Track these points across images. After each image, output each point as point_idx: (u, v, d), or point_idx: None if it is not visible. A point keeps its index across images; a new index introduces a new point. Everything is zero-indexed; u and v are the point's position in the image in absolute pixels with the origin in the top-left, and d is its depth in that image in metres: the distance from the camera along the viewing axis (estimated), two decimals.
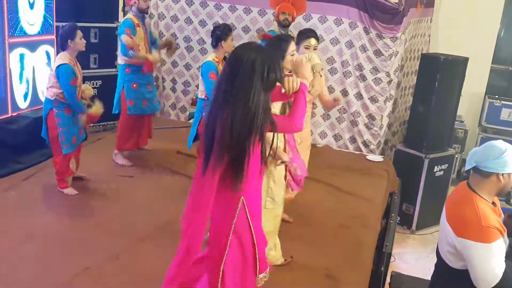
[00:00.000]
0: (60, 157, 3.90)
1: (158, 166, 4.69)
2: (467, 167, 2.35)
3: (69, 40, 3.77)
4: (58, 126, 3.83)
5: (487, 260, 2.19)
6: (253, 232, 2.16)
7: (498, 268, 2.19)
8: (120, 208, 3.81)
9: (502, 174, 2.25)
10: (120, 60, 4.59)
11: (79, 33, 3.78)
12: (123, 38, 4.32)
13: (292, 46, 2.91)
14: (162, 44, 4.87)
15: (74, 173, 4.03)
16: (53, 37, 5.09)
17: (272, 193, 2.96)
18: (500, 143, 2.29)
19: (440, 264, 2.47)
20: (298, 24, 5.13)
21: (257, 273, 2.20)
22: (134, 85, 4.51)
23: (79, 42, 3.80)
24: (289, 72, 2.93)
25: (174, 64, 6.19)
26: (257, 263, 2.19)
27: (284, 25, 4.65)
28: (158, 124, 5.67)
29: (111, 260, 3.07)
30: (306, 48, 3.35)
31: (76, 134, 3.93)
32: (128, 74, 4.50)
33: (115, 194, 4.07)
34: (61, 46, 3.83)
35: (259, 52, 2.02)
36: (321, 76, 3.16)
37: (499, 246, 2.21)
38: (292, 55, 2.88)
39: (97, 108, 3.96)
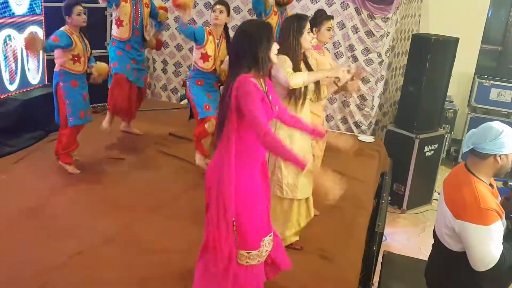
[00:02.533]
0: (67, 130, 3.90)
1: (150, 149, 4.62)
2: (465, 149, 2.32)
3: (66, 16, 3.75)
4: (64, 99, 3.83)
5: (485, 242, 2.16)
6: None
7: (495, 250, 2.17)
8: (113, 191, 3.76)
9: (500, 155, 2.22)
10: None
11: (76, 9, 3.74)
12: None
13: (308, 24, 2.92)
14: (149, 46, 4.79)
15: (78, 146, 4.01)
16: (41, 17, 4.95)
17: (279, 180, 2.92)
18: (496, 124, 2.26)
19: (438, 246, 2.44)
20: (290, 5, 5.01)
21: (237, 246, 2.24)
22: (118, 52, 4.48)
23: (76, 18, 3.76)
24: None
25: (165, 44, 6.06)
26: (236, 236, 2.23)
27: (281, 3, 4.52)
28: (149, 106, 5.59)
29: (106, 242, 3.03)
30: (328, 30, 3.35)
31: (84, 109, 3.91)
32: (114, 46, 4.51)
33: (107, 176, 4.02)
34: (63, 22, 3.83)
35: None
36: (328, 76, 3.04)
37: (497, 228, 2.18)
38: (308, 32, 2.91)
39: (100, 65, 3.97)
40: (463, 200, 2.22)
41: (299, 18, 2.93)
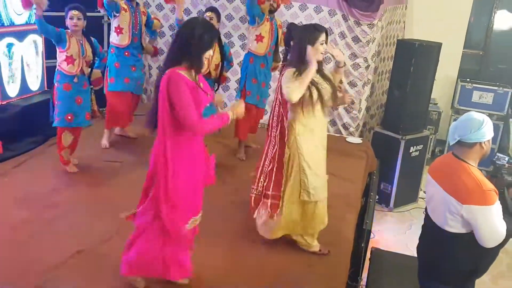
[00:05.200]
0: (56, 130, 3.94)
1: (146, 152, 4.57)
2: (452, 141, 2.44)
3: (65, 20, 3.81)
4: (56, 99, 3.86)
5: (492, 221, 2.28)
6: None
7: (501, 226, 2.30)
8: (111, 192, 3.76)
9: (484, 142, 2.38)
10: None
11: (69, 13, 3.79)
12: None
13: (323, 36, 2.87)
14: (147, 52, 4.81)
15: (65, 149, 3.99)
16: None
17: (305, 185, 2.92)
18: (477, 115, 2.40)
19: (434, 230, 2.49)
20: (279, 12, 5.03)
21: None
22: (116, 64, 4.46)
23: (68, 22, 3.81)
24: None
25: (160, 51, 6.03)
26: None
27: (271, 10, 4.45)
28: (145, 110, 5.52)
29: (104, 242, 3.05)
30: (321, 44, 2.92)
31: (74, 113, 3.89)
32: (112, 54, 4.49)
33: (105, 179, 4.02)
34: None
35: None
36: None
37: (499, 206, 2.31)
38: (321, 44, 2.86)
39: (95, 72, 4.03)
40: (465, 186, 2.32)
41: (314, 29, 2.88)
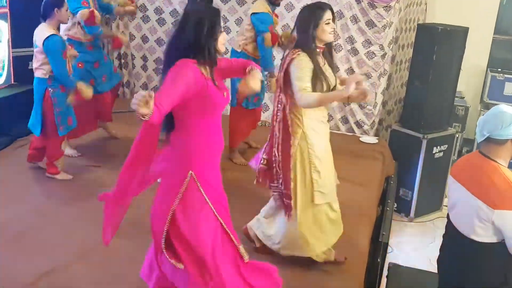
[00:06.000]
0: (54, 140, 3.99)
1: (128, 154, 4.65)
2: (480, 138, 2.47)
3: (55, 9, 3.80)
4: (54, 107, 3.90)
5: None
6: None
7: None
8: (88, 202, 3.77)
9: None
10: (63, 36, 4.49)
11: (66, 3, 3.83)
12: (83, 13, 4.25)
13: (327, 14, 2.90)
14: (123, 11, 4.79)
15: (62, 157, 4.12)
16: (6, 10, 4.98)
17: (318, 185, 2.96)
18: (507, 109, 2.43)
19: (458, 240, 2.53)
20: None
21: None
22: (79, 65, 4.46)
23: (65, 14, 3.84)
24: (324, 44, 2.96)
25: (145, 39, 6.12)
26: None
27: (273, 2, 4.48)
28: (128, 107, 5.60)
29: (79, 259, 3.08)
30: (326, 24, 2.92)
31: (72, 115, 4.03)
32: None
33: (82, 185, 4.06)
34: (44, 15, 3.82)
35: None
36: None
37: None
38: (327, 24, 2.89)
39: (87, 88, 4.04)
40: (496, 188, 2.35)
41: (316, 8, 2.92)
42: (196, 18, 2.26)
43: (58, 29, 3.95)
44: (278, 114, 2.98)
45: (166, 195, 2.40)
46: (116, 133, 4.97)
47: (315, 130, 2.97)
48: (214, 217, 2.41)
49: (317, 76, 2.88)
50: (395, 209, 4.80)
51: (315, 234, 3.06)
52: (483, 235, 2.42)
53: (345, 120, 5.66)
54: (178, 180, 2.36)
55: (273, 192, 3.10)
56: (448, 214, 2.69)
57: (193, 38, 2.25)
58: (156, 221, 2.42)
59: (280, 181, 3.00)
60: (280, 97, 2.98)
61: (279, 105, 2.98)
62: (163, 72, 2.29)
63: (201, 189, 2.37)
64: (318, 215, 3.05)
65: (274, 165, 3.02)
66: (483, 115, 2.47)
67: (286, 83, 2.92)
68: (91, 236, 3.30)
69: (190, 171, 2.35)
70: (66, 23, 3.97)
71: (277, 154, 2.99)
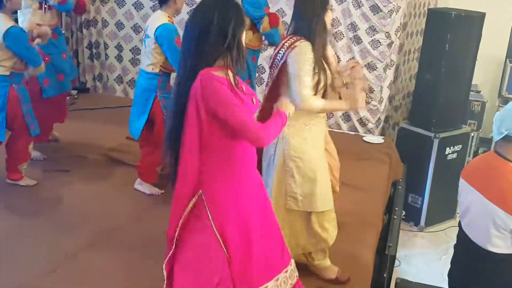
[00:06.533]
0: (22, 141, 3.99)
1: (102, 157, 4.63)
2: (497, 137, 2.47)
3: None
4: (21, 104, 3.90)
5: None
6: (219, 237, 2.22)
7: None
8: (55, 211, 3.77)
9: None
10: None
11: None
12: None
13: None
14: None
15: (28, 160, 4.10)
16: None
17: (292, 190, 2.95)
18: None
19: (473, 254, 2.52)
20: None
21: None
22: (46, 58, 4.35)
23: (16, 1, 3.83)
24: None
25: (119, 26, 6.08)
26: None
27: None
28: (100, 103, 5.59)
29: (47, 274, 3.05)
30: (330, 9, 2.99)
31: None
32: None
33: (48, 193, 4.03)
34: None
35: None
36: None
37: None
38: (330, 9, 2.91)
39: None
40: None
41: None
42: (222, 15, 2.17)
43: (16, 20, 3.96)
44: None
45: None
46: (59, 136, 4.91)
47: (295, 128, 2.89)
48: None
49: (316, 71, 2.83)
50: (403, 217, 4.81)
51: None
52: (501, 245, 2.42)
53: (347, 117, 5.65)
54: None
55: None
56: (459, 222, 2.69)
57: (223, 37, 2.17)
58: None
59: None
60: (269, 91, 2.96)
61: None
62: (181, 85, 2.20)
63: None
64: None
65: None
66: (501, 109, 2.47)
67: (281, 75, 2.87)
68: (60, 248, 3.30)
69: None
70: (19, 9, 3.94)
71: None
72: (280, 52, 2.87)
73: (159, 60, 3.83)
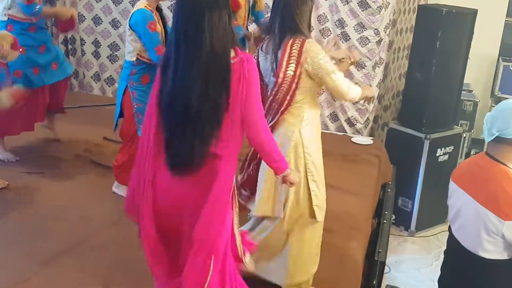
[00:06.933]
0: None
1: (77, 158, 4.59)
2: (488, 138, 2.47)
3: None
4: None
5: None
6: None
7: None
8: (28, 217, 3.72)
9: None
10: (2, 16, 4.39)
11: None
12: None
13: None
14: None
15: None
16: None
17: (317, 198, 2.97)
18: None
19: (464, 260, 2.53)
20: None
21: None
22: (21, 50, 4.31)
23: None
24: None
25: (97, 20, 6.03)
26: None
27: None
28: (76, 101, 5.54)
29: (17, 284, 3.01)
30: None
31: None
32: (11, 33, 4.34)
33: (19, 198, 3.98)
34: None
35: None
36: None
37: None
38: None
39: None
40: (507, 196, 2.36)
41: None
42: None
43: None
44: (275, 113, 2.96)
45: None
46: (58, 135, 4.89)
47: (312, 128, 2.98)
48: None
49: None
50: (393, 221, 4.81)
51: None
52: (492, 250, 2.43)
53: (334, 117, 5.64)
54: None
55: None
56: (449, 227, 2.69)
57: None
58: None
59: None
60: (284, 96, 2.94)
61: (275, 106, 2.95)
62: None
63: None
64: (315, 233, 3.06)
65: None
66: (492, 110, 2.48)
67: (302, 79, 2.89)
68: (33, 255, 3.26)
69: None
70: None
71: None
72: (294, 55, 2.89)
73: (135, 47, 3.79)
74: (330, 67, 2.86)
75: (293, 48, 2.86)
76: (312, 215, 2.97)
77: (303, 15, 2.91)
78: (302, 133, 2.93)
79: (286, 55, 2.87)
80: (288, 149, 2.91)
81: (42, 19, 4.47)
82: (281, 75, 2.88)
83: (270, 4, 3.11)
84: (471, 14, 5.00)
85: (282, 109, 2.92)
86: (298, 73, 2.86)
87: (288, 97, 2.91)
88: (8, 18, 4.33)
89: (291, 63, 2.87)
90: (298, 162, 2.93)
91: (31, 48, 4.41)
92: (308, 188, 2.94)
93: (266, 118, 2.82)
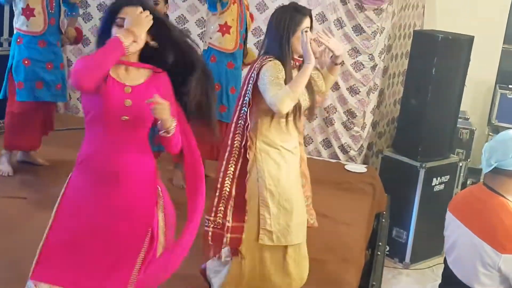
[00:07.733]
0: None
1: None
2: (487, 169, 2.49)
3: None
4: None
5: None
6: None
7: None
8: (8, 244, 3.64)
9: None
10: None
11: None
12: None
13: (307, 21, 2.93)
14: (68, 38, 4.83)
15: None
16: None
17: (266, 223, 2.93)
18: None
19: None
20: None
21: None
22: (25, 62, 4.42)
23: None
24: (299, 56, 2.96)
25: (85, 41, 6.02)
26: None
27: None
28: (62, 124, 5.51)
29: None
30: (305, 31, 2.96)
31: None
32: (19, 46, 4.44)
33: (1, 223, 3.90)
34: None
35: None
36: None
37: None
38: (305, 31, 2.90)
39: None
40: (505, 228, 2.36)
41: (295, 11, 2.94)
42: None
43: None
44: (241, 133, 2.97)
45: None
46: (42, 160, 4.87)
47: (269, 154, 2.94)
48: None
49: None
50: (387, 253, 4.78)
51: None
52: (488, 284, 2.42)
53: (327, 143, 5.64)
54: None
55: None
56: (445, 259, 2.68)
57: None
58: None
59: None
60: (246, 114, 2.95)
61: (244, 124, 2.95)
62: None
63: None
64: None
65: (224, 191, 3.02)
66: (491, 140, 2.49)
67: (255, 96, 2.90)
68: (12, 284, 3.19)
69: None
70: None
71: (232, 181, 3.01)
72: (253, 74, 2.91)
73: None
74: (273, 79, 2.84)
75: (255, 64, 2.94)
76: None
77: (271, 38, 2.97)
78: (257, 158, 2.94)
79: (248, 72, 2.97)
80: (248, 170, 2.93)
81: (52, 33, 4.51)
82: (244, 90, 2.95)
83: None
84: (468, 40, 5.05)
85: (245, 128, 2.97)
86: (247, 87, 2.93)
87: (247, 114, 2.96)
88: (17, 32, 4.45)
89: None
90: (253, 185, 2.94)
91: (38, 62, 4.46)
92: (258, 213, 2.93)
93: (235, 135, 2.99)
